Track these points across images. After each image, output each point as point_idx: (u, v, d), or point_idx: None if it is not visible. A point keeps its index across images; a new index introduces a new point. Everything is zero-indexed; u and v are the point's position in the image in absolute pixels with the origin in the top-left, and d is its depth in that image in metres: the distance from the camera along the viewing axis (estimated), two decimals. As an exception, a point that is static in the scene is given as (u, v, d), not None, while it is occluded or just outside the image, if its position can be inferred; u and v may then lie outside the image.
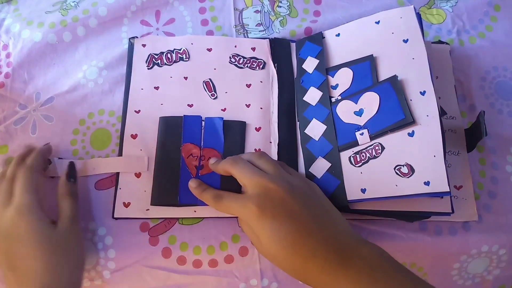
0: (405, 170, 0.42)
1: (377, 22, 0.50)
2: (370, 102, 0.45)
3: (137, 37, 0.53)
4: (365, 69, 0.47)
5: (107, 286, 0.45)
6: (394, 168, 0.42)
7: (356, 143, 0.44)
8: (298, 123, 0.49)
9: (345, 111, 0.46)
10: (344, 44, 0.51)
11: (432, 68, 0.45)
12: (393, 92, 0.44)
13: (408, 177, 0.41)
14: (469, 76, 0.54)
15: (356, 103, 0.46)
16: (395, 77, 0.45)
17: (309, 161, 0.46)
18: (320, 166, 0.45)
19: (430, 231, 0.46)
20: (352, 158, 0.44)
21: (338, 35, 0.52)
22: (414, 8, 0.48)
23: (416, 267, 0.47)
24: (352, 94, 0.47)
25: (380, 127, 0.44)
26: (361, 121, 0.45)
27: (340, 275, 0.34)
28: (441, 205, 0.43)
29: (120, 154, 0.47)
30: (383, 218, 0.45)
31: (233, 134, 0.47)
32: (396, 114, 0.43)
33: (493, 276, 0.49)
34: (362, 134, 0.44)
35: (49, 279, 0.37)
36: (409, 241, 0.46)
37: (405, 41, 0.47)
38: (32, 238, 0.38)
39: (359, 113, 0.45)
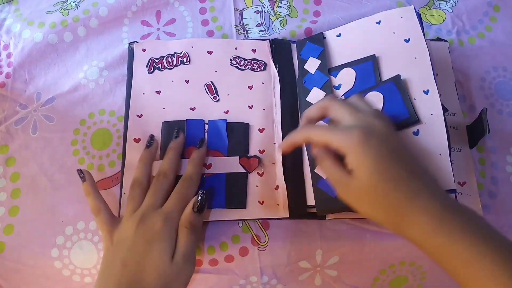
0: None
1: (378, 22, 0.50)
2: (374, 101, 0.45)
3: (136, 41, 0.53)
4: (368, 69, 0.48)
5: None
6: None
7: None
8: None
9: None
10: (345, 44, 0.51)
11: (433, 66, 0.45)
12: (397, 92, 0.44)
13: None
14: (468, 76, 0.54)
15: None
16: (398, 76, 0.45)
17: (314, 162, 0.46)
18: None
19: (430, 231, 0.46)
20: None
21: (339, 35, 0.52)
22: (414, 8, 0.49)
23: (415, 266, 0.48)
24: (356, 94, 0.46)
25: None
26: None
27: (444, 218, 0.32)
28: None
29: (123, 159, 0.47)
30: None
31: (236, 135, 0.47)
32: (401, 113, 0.43)
33: None
34: None
35: None
36: (409, 241, 0.46)
37: (407, 40, 0.47)
38: (156, 258, 0.38)
39: None
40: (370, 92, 0.46)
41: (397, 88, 0.45)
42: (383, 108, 0.44)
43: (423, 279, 0.49)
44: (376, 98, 0.45)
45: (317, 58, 0.51)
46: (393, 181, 0.33)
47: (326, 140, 0.36)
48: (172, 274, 0.37)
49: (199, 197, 0.40)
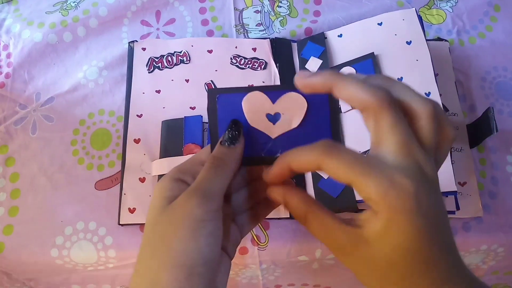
0: None
1: (380, 24, 0.50)
2: (292, 107, 0.29)
3: (136, 40, 0.53)
4: (367, 67, 0.48)
5: (112, 270, 0.46)
6: None
7: (262, 160, 0.29)
8: None
9: (255, 109, 0.29)
10: (346, 44, 0.51)
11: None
12: (327, 106, 0.29)
13: None
14: (469, 76, 0.54)
15: (274, 103, 0.29)
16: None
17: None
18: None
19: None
20: None
21: (340, 35, 0.52)
22: (416, 10, 0.49)
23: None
24: (272, 87, 0.32)
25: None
26: (273, 132, 0.29)
27: None
28: (446, 204, 0.43)
29: (123, 159, 0.47)
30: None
31: None
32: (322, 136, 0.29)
33: (488, 266, 0.49)
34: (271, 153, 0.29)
35: None
36: None
37: (408, 42, 0.48)
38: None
39: (273, 118, 0.29)
40: (291, 92, 0.29)
41: (328, 102, 0.29)
42: (302, 122, 0.29)
43: None
44: (296, 104, 0.29)
45: (318, 58, 0.51)
46: (422, 264, 0.24)
47: (350, 175, 0.23)
48: (161, 220, 0.26)
49: (228, 128, 0.29)
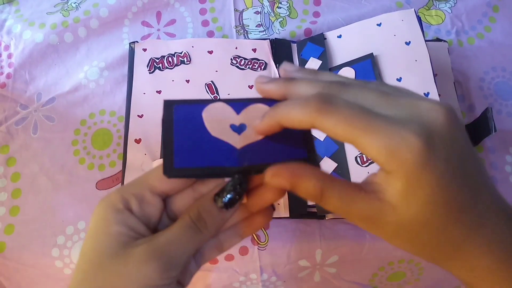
0: None
1: (379, 24, 0.50)
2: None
3: (137, 41, 0.54)
4: (366, 67, 0.48)
5: None
6: None
7: (224, 172, 0.28)
8: None
9: (218, 119, 0.30)
10: (346, 45, 0.51)
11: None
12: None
13: None
14: (468, 76, 0.54)
15: (238, 114, 0.30)
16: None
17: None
18: (326, 166, 0.45)
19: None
20: (358, 158, 0.45)
21: (339, 36, 0.52)
22: (415, 10, 0.50)
23: (413, 263, 0.48)
24: (235, 99, 0.29)
25: None
26: (239, 142, 0.29)
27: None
28: None
29: (124, 159, 0.47)
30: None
31: None
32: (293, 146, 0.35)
33: None
34: None
35: None
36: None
37: (407, 43, 0.48)
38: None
39: (238, 129, 0.30)
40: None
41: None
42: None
43: (420, 274, 0.49)
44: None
45: (318, 59, 0.51)
46: (454, 213, 0.22)
47: (351, 133, 0.21)
48: (109, 267, 0.23)
49: (231, 182, 0.25)
